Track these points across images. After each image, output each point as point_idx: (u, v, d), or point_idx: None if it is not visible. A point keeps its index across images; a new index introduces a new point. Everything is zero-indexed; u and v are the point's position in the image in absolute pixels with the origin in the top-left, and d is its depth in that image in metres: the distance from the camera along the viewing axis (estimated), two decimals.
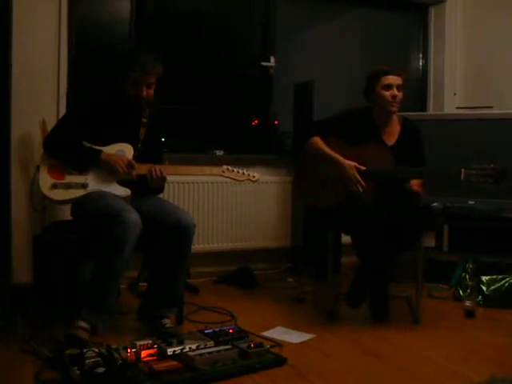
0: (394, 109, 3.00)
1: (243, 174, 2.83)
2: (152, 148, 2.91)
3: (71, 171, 2.72)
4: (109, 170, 2.71)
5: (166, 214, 2.68)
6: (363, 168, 2.92)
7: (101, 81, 3.26)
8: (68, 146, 2.73)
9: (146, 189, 2.80)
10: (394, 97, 2.95)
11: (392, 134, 3.07)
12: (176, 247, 2.66)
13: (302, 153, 3.17)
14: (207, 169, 2.85)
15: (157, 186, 2.78)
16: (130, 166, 2.70)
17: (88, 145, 2.74)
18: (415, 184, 3.00)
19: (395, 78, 2.97)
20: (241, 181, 2.86)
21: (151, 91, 2.76)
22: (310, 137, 3.07)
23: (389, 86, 2.96)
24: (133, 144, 2.80)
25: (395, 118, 3.09)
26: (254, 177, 2.84)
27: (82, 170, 2.73)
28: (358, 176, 2.90)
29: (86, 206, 2.68)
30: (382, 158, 2.96)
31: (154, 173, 2.69)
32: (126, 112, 2.80)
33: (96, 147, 2.73)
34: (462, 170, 2.78)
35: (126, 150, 2.77)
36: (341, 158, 2.95)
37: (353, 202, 2.86)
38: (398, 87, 2.97)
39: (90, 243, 2.67)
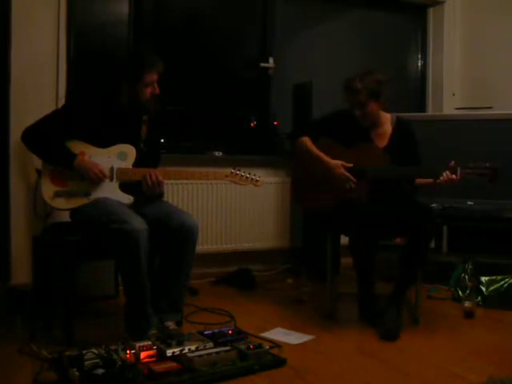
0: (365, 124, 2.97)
1: (246, 178, 2.81)
2: (154, 148, 2.90)
3: (74, 177, 2.67)
4: (84, 176, 2.65)
5: (169, 216, 2.66)
6: (350, 165, 2.87)
7: (99, 82, 3.26)
8: (47, 141, 2.66)
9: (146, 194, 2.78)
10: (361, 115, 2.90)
11: (383, 134, 3.01)
12: (179, 250, 2.64)
13: (293, 155, 3.14)
14: (211, 173, 2.81)
15: (153, 193, 2.69)
16: (103, 174, 2.66)
17: (82, 145, 2.69)
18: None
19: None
20: (244, 185, 2.85)
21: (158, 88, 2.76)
22: (298, 136, 3.05)
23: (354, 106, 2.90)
24: (135, 144, 2.77)
25: (386, 118, 3.03)
26: (257, 181, 2.82)
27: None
28: (346, 173, 2.86)
29: (88, 214, 2.64)
30: (376, 159, 2.91)
31: (148, 179, 2.65)
32: (126, 111, 2.76)
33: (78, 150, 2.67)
34: (458, 168, 2.77)
35: (128, 152, 2.74)
36: (326, 158, 2.90)
37: (350, 204, 2.84)
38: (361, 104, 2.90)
39: (89, 245, 2.66)
